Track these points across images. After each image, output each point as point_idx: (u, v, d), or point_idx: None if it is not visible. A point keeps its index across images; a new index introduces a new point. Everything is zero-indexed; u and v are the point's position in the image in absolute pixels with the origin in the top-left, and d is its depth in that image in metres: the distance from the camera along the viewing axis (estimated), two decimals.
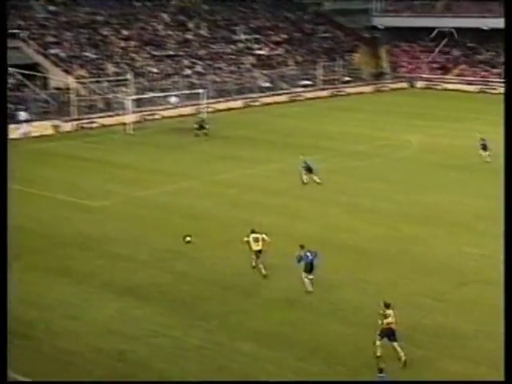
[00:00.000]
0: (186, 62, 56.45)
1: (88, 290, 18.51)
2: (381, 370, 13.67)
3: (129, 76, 48.02)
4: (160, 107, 48.26)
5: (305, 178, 29.19)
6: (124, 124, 43.10)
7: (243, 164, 33.20)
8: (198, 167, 32.96)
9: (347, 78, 62.75)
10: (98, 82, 48.49)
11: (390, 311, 15.08)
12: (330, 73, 61.76)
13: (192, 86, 51.62)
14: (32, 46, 50.27)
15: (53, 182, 29.73)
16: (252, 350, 15.60)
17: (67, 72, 48.31)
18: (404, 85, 65.57)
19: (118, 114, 45.50)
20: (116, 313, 17.27)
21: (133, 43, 56.40)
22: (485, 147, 33.28)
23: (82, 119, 44.03)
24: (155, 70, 53.48)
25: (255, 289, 18.79)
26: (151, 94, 48.88)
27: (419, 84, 65.41)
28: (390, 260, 20.95)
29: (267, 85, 57.04)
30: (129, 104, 43.96)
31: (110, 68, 51.21)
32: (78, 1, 59.11)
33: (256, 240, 19.24)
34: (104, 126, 44.31)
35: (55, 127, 42.40)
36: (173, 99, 49.51)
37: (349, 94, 60.29)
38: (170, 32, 60.50)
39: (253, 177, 30.56)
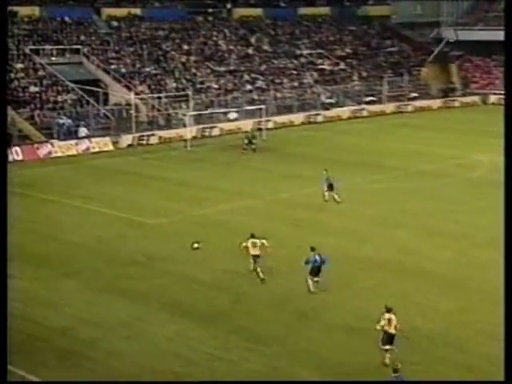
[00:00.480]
0: (246, 78, 56.98)
1: (145, 310, 18.72)
2: (396, 370, 14.01)
3: (189, 92, 48.81)
4: (220, 123, 48.79)
5: (326, 194, 29.17)
6: (184, 140, 43.75)
7: (303, 182, 33.14)
8: (258, 185, 33.09)
9: (414, 94, 61.99)
10: (158, 97, 49.46)
11: (388, 315, 15.53)
12: (396, 88, 61.19)
13: (253, 101, 52.04)
14: (93, 62, 51.74)
15: (112, 199, 30.34)
16: (311, 376, 15.42)
17: (128, 88, 49.46)
18: (475, 100, 64.26)
19: (177, 131, 46.29)
20: (173, 334, 17.39)
21: (193, 58, 57.36)
22: None
23: (142, 135, 44.90)
24: (215, 86, 54.17)
25: (315, 312, 18.62)
26: (211, 110, 49.52)
27: (492, 100, 63.97)
28: (457, 286, 20.45)
29: (329, 100, 56.93)
30: (188, 120, 44.64)
31: (171, 83, 52.18)
32: (139, 16, 60.67)
33: (254, 245, 20.64)
34: (163, 142, 45.07)
35: (115, 143, 43.37)
36: (232, 115, 50.02)
37: (415, 111, 59.51)
38: (232, 47, 61.27)
39: (313, 196, 30.41)
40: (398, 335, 15.80)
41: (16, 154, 39.17)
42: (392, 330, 15.44)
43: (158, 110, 48.74)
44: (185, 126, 45.05)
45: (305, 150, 42.27)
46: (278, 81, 57.86)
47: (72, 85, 47.36)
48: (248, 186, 32.87)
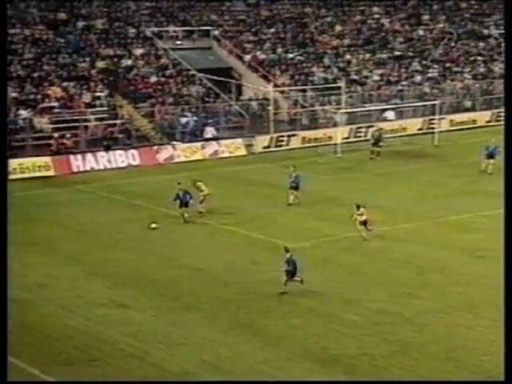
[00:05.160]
0: (416, 66, 56.37)
1: (282, 356, 18.91)
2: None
3: (341, 83, 48.97)
4: (378, 123, 48.42)
5: (291, 197, 32.20)
6: (333, 144, 43.92)
7: (487, 201, 32.18)
8: (425, 203, 32.65)
9: None
10: (302, 90, 50.00)
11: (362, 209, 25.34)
12: None
13: (423, 95, 51.42)
14: (225, 47, 53.15)
15: (243, 215, 31.01)
16: None
17: (266, 78, 50.38)
18: None
19: (324, 131, 46.56)
20: None
21: (347, 42, 57.55)
22: None
23: (281, 136, 45.55)
24: (375, 77, 54.01)
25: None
26: (368, 107, 49.39)
27: None
28: None
29: None
30: (340, 118, 44.75)
31: (318, 73, 52.63)
32: None
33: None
34: (307, 146, 45.49)
35: (248, 146, 44.29)
36: (389, 114, 49.54)
37: None
38: (397, 27, 60.89)
39: (500, 218, 29.46)
40: None
41: (132, 158, 41.09)
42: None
43: (302, 106, 49.30)
44: (335, 125, 45.24)
45: None
46: (457, 69, 56.78)
47: (199, 74, 48.96)
48: (412, 204, 32.52)
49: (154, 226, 26.30)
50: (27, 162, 38.73)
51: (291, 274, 22.35)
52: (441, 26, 62.34)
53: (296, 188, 32.51)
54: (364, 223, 27.88)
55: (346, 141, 45.16)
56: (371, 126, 46.87)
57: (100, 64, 47.50)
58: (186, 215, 29.78)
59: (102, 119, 43.61)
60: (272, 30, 56.45)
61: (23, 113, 42.01)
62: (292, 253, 22.53)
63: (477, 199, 33.00)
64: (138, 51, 49.91)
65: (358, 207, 27.88)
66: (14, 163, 38.15)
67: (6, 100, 18.16)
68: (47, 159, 39.21)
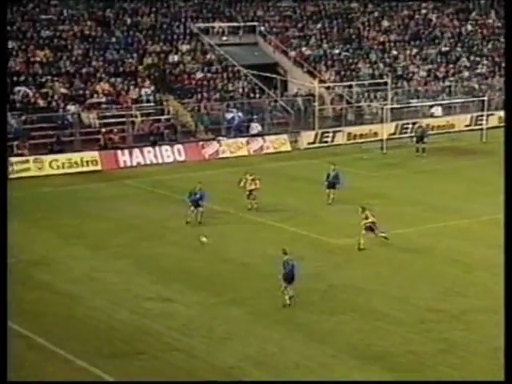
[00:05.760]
0: (464, 61, 55.79)
1: (326, 353, 18.92)
2: None
3: (387, 79, 48.71)
4: (425, 119, 47.98)
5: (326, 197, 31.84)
6: (379, 140, 43.71)
7: None
8: (471, 200, 32.41)
9: None
10: (348, 86, 49.85)
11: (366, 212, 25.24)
12: None
13: (471, 91, 50.88)
14: (271, 42, 53.22)
15: (288, 212, 31.07)
16: None
17: (311, 74, 50.35)
18: None
19: (370, 127, 46.37)
20: None
21: (394, 37, 57.19)
22: None
23: (326, 132, 45.47)
24: (422, 72, 53.60)
25: None
26: (415, 103, 49.05)
27: None
28: None
29: None
30: (386, 114, 44.52)
31: (365, 69, 52.40)
32: None
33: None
34: (353, 142, 45.38)
35: (293, 142, 44.32)
36: (436, 110, 49.14)
37: None
38: (446, 21, 60.28)
39: None
40: None
41: (178, 153, 41.35)
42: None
43: (348, 102, 49.15)
44: (381, 121, 45.00)
45: None
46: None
47: (245, 70, 49.10)
48: (458, 201, 32.31)
49: (203, 239, 25.94)
50: (75, 156, 39.19)
51: (288, 279, 21.37)
52: (490, 20, 61.56)
53: (333, 186, 31.99)
54: (370, 228, 26.41)
55: (391, 137, 44.92)
56: (417, 123, 46.49)
57: (147, 60, 47.85)
58: (192, 215, 29.18)
59: (148, 115, 43.93)
60: (318, 26, 56.27)
61: (72, 108, 42.51)
62: (289, 256, 21.62)
63: None
64: (185, 47, 50.17)
65: (363, 210, 26.62)
66: (62, 158, 38.67)
67: (6, 100, 18.51)
68: (95, 154, 39.63)
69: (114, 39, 48.88)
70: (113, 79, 45.58)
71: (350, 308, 21.53)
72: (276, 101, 47.64)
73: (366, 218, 26.52)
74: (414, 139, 42.63)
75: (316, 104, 46.35)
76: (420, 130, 42.78)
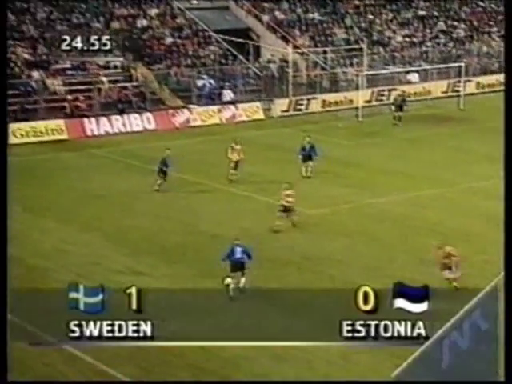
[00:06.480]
0: (441, 26, 55.84)
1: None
2: None
3: (363, 45, 48.68)
4: (401, 85, 48.10)
5: (304, 169, 31.41)
6: (354, 108, 43.78)
7: None
8: (449, 169, 32.60)
9: None
10: (323, 52, 49.76)
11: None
12: None
13: (449, 57, 51.01)
14: (243, 6, 52.85)
15: (262, 182, 31.11)
16: None
17: (285, 39, 50.14)
18: None
19: (345, 94, 46.39)
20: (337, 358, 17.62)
21: (370, 1, 57.03)
22: None
23: (300, 100, 45.46)
24: (398, 37, 53.59)
25: None
26: (391, 69, 49.13)
27: None
28: None
29: None
30: (361, 82, 44.57)
31: (340, 34, 52.28)
32: None
33: None
34: (327, 109, 45.40)
35: (266, 110, 44.28)
36: (413, 76, 49.25)
37: None
38: None
39: None
40: None
41: (148, 121, 41.16)
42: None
43: (323, 69, 49.08)
44: (357, 88, 45.04)
45: None
46: (484, 29, 56.21)
47: (216, 35, 48.79)
48: (436, 170, 32.46)
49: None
50: (40, 125, 38.85)
51: (237, 268, 20.29)
52: None
53: (310, 158, 31.79)
54: (286, 209, 25.19)
55: (367, 104, 45.00)
56: (394, 89, 46.53)
57: (114, 24, 47.35)
58: (158, 183, 29.37)
59: (116, 81, 43.58)
60: None
61: (35, 74, 42.03)
62: (240, 241, 20.64)
63: (502, 165, 32.76)
64: (153, 11, 49.73)
65: (288, 187, 25.32)
66: (26, 126, 38.30)
67: (6, 100, 18.35)
68: (60, 122, 39.31)
69: (79, 2, 48.26)
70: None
71: (327, 280, 21.65)
72: (248, 67, 47.47)
73: (288, 196, 25.29)
74: (393, 107, 42.68)
75: (290, 71, 46.27)
76: (400, 99, 42.84)
